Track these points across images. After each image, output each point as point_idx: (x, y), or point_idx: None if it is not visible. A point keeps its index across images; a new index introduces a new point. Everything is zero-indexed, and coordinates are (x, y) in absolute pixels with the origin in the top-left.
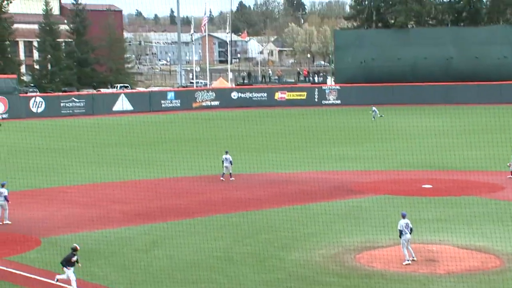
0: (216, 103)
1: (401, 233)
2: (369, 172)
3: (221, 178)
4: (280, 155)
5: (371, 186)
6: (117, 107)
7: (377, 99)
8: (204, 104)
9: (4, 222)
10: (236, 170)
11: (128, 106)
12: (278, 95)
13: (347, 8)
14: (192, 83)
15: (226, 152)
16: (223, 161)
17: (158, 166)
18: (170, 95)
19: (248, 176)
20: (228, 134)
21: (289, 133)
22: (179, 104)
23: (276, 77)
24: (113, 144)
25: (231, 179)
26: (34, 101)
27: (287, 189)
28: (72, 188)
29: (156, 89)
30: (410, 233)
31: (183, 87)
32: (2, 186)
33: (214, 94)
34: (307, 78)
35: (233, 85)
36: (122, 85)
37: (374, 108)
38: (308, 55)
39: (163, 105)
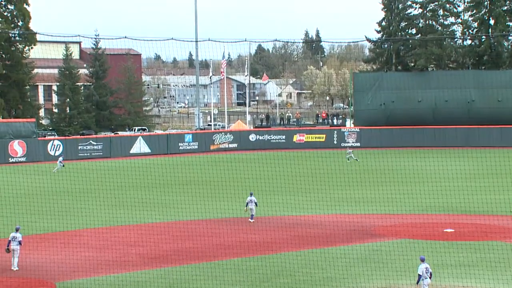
0: (234, 145)
1: (420, 277)
2: (389, 215)
3: (250, 220)
4: (298, 197)
5: (391, 229)
6: (134, 149)
7: (397, 142)
8: (222, 146)
9: (12, 269)
10: None
11: (146, 149)
12: (296, 138)
13: (366, 52)
14: (210, 125)
15: (251, 194)
16: (247, 203)
17: (175, 209)
18: (188, 137)
19: (266, 219)
20: (245, 176)
21: (307, 175)
22: (196, 147)
23: (295, 120)
24: (130, 186)
25: (250, 220)
26: (52, 144)
27: (306, 232)
28: (87, 231)
29: (173, 131)
30: (430, 278)
31: (201, 129)
32: (17, 230)
33: (232, 136)
34: (326, 121)
35: (251, 127)
36: (140, 128)
37: (349, 150)
38: (327, 98)
39: (180, 148)
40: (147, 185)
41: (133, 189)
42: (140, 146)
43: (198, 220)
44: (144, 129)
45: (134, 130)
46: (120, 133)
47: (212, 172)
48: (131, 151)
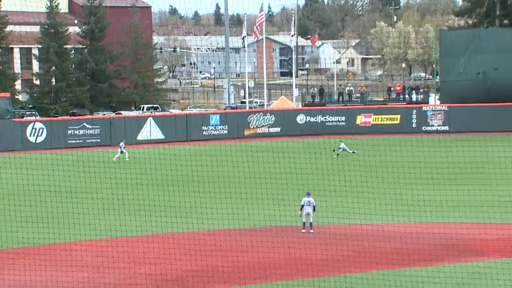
0: (276, 129)
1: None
2: (490, 225)
3: (302, 230)
4: (362, 200)
5: (495, 244)
6: (143, 135)
7: (500, 125)
8: (259, 131)
9: None
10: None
11: (158, 134)
12: (360, 119)
13: (458, 0)
14: (244, 103)
15: (308, 194)
16: (302, 206)
17: (196, 214)
18: (214, 119)
19: (319, 228)
20: (291, 171)
21: (375, 171)
22: (226, 131)
23: (358, 95)
24: (137, 184)
25: (311, 231)
26: (33, 127)
27: (373, 247)
28: (81, 245)
29: (195, 111)
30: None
31: (232, 108)
32: None
33: (273, 118)
34: (401, 96)
35: (299, 106)
36: (150, 106)
37: (342, 144)
38: (403, 65)
39: (204, 133)
40: (159, 183)
41: (141, 188)
42: (151, 131)
43: (227, 229)
44: (155, 108)
45: (143, 109)
46: (124, 113)
47: (246, 166)
48: (139, 137)
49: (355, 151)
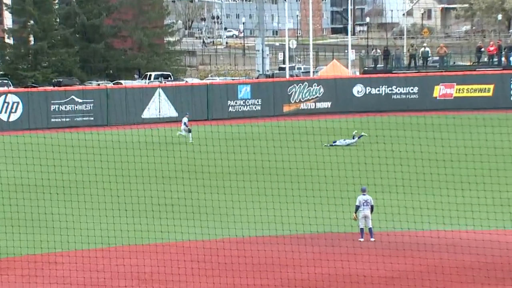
0: (326, 104)
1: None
2: None
3: (360, 239)
4: (434, 198)
5: None
6: (150, 112)
7: None
8: (303, 106)
9: None
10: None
11: (170, 111)
12: (439, 90)
13: None
14: (283, 69)
15: (363, 191)
16: (358, 207)
17: (218, 216)
18: (244, 91)
19: (381, 236)
20: (346, 160)
21: (456, 160)
22: (259, 107)
23: (437, 58)
24: (140, 177)
25: (371, 239)
26: (5, 101)
27: (452, 261)
28: (69, 256)
29: (219, 80)
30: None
31: (267, 77)
32: None
33: (322, 90)
34: (495, 59)
35: (357, 73)
36: (159, 74)
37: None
38: (499, 17)
39: (231, 109)
40: (171, 175)
41: (146, 182)
42: (160, 106)
43: (260, 237)
44: (166, 77)
45: (149, 78)
46: (125, 83)
47: (285, 154)
48: (144, 115)
49: (362, 134)
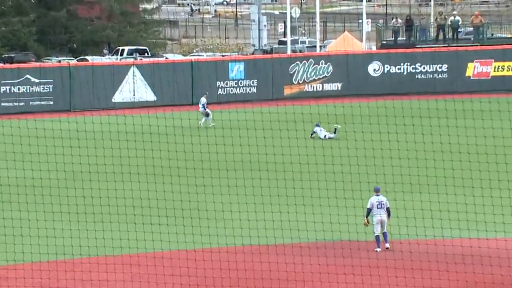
0: (336, 86)
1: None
2: None
3: (376, 249)
4: (466, 199)
5: None
6: (122, 95)
7: None
8: (308, 88)
9: None
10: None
11: (146, 94)
12: (473, 69)
13: None
14: (284, 43)
15: (377, 191)
16: (369, 210)
17: (199, 221)
18: (237, 69)
19: (401, 245)
20: (356, 152)
21: (492, 153)
22: (254, 89)
23: (470, 30)
24: (110, 174)
25: (386, 246)
26: None
27: (487, 275)
28: (23, 270)
29: (206, 57)
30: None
31: (265, 52)
32: None
33: (331, 68)
34: None
35: (373, 48)
36: (133, 49)
37: (317, 128)
38: None
39: (220, 92)
40: (148, 172)
41: (119, 179)
42: (135, 88)
43: (262, 246)
44: (142, 52)
45: (122, 54)
46: (91, 59)
47: (286, 146)
48: (115, 99)
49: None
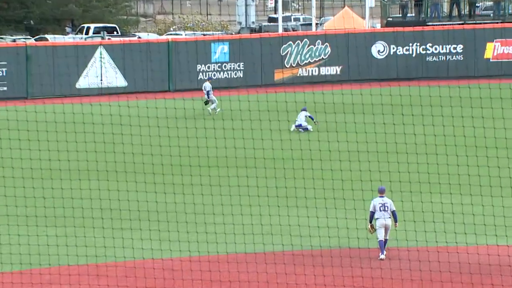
0: (334, 70)
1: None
2: None
3: (381, 256)
4: (482, 200)
5: None
6: (88, 80)
7: None
8: (303, 73)
9: None
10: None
11: (116, 79)
12: (493, 49)
13: None
14: (275, 21)
15: (381, 192)
16: (372, 214)
17: (177, 225)
18: (220, 51)
19: (405, 253)
20: (357, 147)
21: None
22: (240, 74)
23: (490, 4)
24: (74, 171)
25: (381, 255)
26: None
27: None
28: None
29: (185, 36)
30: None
31: (253, 31)
32: None
33: (328, 49)
34: None
35: (377, 26)
36: (100, 26)
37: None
38: None
39: (201, 76)
40: (118, 169)
41: (84, 177)
42: (102, 72)
43: (244, 253)
44: (112, 31)
45: (87, 33)
46: (52, 38)
47: (277, 138)
48: (80, 85)
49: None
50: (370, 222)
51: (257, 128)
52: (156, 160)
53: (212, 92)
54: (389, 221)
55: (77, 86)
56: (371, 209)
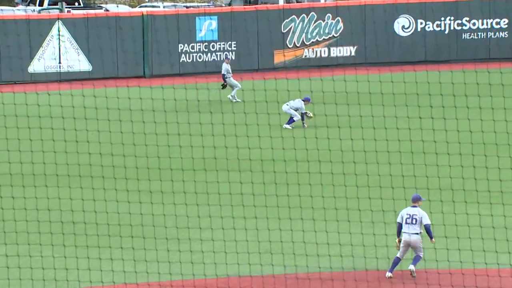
0: (347, 50)
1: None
2: None
3: (388, 274)
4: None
5: None
6: (43, 63)
7: None
8: (309, 54)
9: None
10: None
11: (79, 62)
12: None
13: None
14: None
15: (415, 200)
16: (400, 224)
17: (155, 242)
18: (207, 27)
19: (435, 276)
20: (375, 146)
21: None
22: (232, 56)
23: None
24: (31, 176)
25: (411, 268)
26: None
27: None
28: None
29: (163, 9)
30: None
31: (247, 3)
32: None
33: (340, 25)
34: None
35: None
36: None
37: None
38: None
39: (183, 59)
40: (82, 173)
41: (40, 183)
42: (61, 53)
43: (238, 277)
44: (72, 2)
45: (41, 5)
46: (2, 11)
47: (277, 135)
48: (33, 68)
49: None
50: (398, 235)
51: (253, 123)
52: (129, 162)
53: (229, 74)
54: (416, 238)
55: (30, 70)
56: (398, 220)
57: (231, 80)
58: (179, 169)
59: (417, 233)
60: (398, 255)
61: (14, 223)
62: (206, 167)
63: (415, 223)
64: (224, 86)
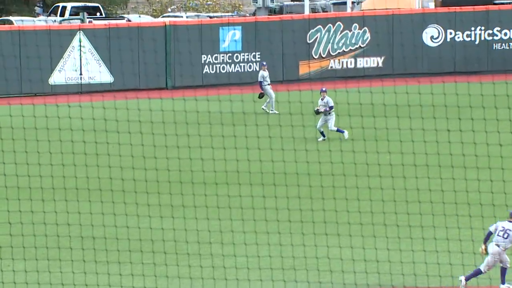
0: (375, 61)
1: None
2: None
3: (460, 278)
4: None
5: None
6: (64, 74)
7: None
8: (335, 65)
9: None
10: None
11: (100, 73)
12: None
13: None
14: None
15: None
16: (490, 233)
17: (172, 257)
18: (231, 37)
19: None
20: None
21: None
22: (256, 66)
23: None
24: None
25: (501, 286)
26: None
27: None
28: None
29: (186, 19)
30: None
31: (272, 13)
32: None
33: (367, 35)
34: None
35: (430, 6)
36: (80, 6)
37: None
38: None
39: (207, 70)
40: (103, 187)
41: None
42: (82, 64)
43: None
44: (94, 12)
45: (63, 15)
46: (17, 21)
47: (301, 148)
48: (54, 80)
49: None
50: (485, 242)
51: (277, 136)
52: (150, 176)
53: (266, 82)
54: (503, 252)
55: (51, 82)
56: (491, 228)
57: (267, 88)
58: (201, 182)
59: (504, 249)
60: (480, 267)
61: (34, 238)
62: (228, 181)
63: (507, 238)
64: (261, 96)
